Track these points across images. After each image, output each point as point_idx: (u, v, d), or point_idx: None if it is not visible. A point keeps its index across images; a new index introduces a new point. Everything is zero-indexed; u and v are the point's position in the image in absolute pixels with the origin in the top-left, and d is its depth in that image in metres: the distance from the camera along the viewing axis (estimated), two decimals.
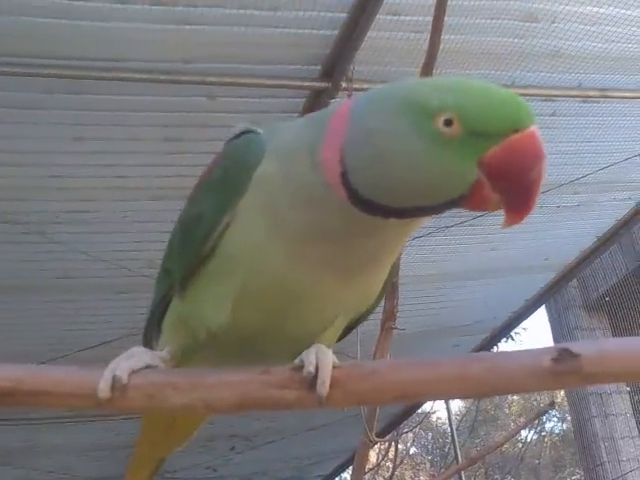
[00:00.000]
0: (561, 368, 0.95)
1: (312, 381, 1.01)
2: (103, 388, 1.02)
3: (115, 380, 1.03)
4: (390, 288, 2.73)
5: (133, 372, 1.05)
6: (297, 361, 1.05)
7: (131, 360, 1.07)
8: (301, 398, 1.02)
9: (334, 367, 1.03)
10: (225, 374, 1.07)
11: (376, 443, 3.13)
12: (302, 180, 1.04)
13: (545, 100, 4.05)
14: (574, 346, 0.96)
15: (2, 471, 7.55)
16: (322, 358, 1.03)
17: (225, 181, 1.10)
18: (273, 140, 1.11)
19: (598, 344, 0.97)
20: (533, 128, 0.95)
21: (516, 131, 0.94)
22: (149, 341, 1.33)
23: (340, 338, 1.25)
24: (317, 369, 1.02)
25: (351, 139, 1.00)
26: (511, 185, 0.94)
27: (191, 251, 1.12)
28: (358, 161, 0.99)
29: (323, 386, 1.01)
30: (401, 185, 0.97)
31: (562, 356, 0.95)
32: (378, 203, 0.99)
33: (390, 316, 2.79)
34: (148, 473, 1.47)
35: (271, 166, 1.07)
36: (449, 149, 0.94)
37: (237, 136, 1.15)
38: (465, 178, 0.95)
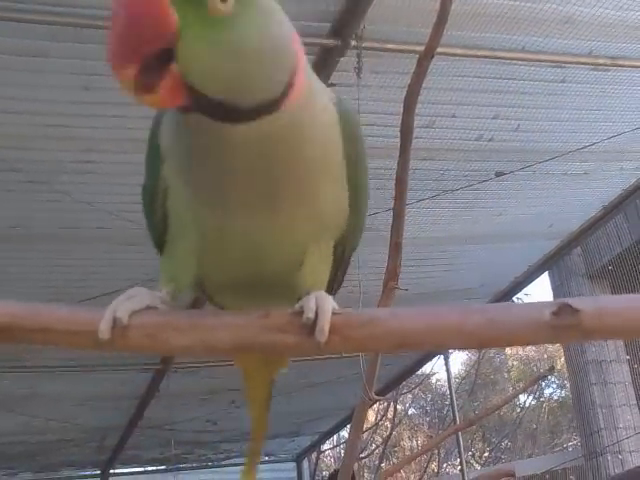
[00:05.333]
0: (561, 322, 0.95)
1: (311, 327, 1.02)
2: (103, 329, 1.02)
3: (116, 321, 1.03)
4: (393, 247, 2.75)
5: (134, 313, 1.05)
6: (297, 306, 1.06)
7: (132, 301, 1.07)
8: (300, 343, 1.02)
9: (334, 313, 1.03)
10: (225, 316, 1.08)
11: (375, 402, 3.15)
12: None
13: (555, 67, 4.02)
14: (574, 301, 0.96)
15: (5, 417, 7.64)
16: (322, 304, 1.03)
17: (147, 152, 1.20)
18: None
19: (598, 300, 0.98)
20: None
21: None
22: None
23: (340, 268, 1.28)
24: (317, 315, 1.02)
25: None
26: None
27: (148, 216, 1.24)
28: None
29: (322, 332, 1.01)
30: None
31: (562, 310, 0.95)
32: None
33: (392, 276, 2.80)
34: (266, 392, 1.57)
35: (167, 126, 1.13)
36: None
37: None
38: None
